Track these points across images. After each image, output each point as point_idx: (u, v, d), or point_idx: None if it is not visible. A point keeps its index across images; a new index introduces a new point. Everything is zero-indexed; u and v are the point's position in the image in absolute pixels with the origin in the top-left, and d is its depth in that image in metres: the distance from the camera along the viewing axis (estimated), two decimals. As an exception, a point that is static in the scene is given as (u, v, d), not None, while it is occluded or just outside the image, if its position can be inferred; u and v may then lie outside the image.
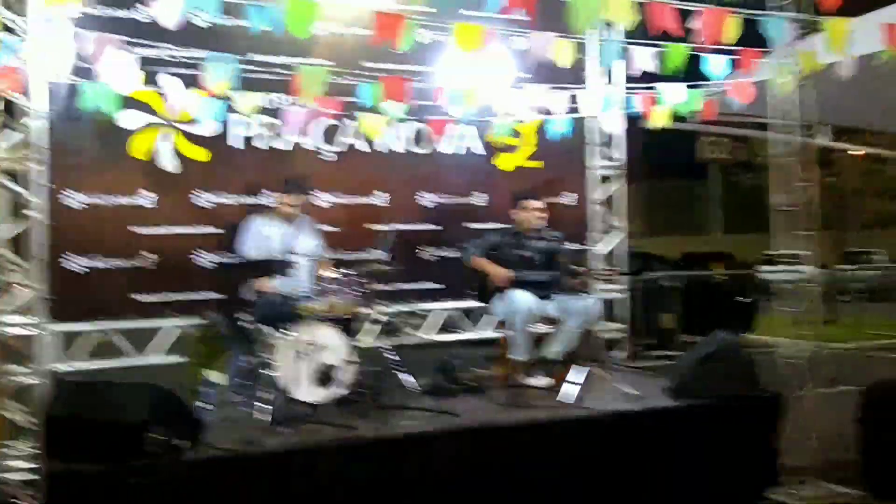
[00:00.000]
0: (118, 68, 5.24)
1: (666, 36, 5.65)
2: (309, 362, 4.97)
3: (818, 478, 5.51)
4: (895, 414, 5.05)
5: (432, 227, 6.85)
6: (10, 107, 5.64)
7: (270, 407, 4.81)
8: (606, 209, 7.50)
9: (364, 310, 5.66)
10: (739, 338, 5.49)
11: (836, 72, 5.15)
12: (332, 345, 5.06)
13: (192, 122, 5.95)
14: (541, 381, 5.98)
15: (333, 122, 6.38)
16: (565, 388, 5.49)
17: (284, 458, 4.36)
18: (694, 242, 28.95)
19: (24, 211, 5.41)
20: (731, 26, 4.93)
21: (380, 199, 6.68)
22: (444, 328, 7.03)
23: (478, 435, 4.79)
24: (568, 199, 7.35)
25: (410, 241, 6.76)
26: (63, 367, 5.72)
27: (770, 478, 5.34)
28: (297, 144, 6.40)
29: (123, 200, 5.91)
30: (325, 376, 4.99)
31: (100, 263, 5.83)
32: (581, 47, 6.12)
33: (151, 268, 5.96)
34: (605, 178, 7.48)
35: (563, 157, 7.29)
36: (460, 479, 4.59)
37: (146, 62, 5.67)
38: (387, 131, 6.57)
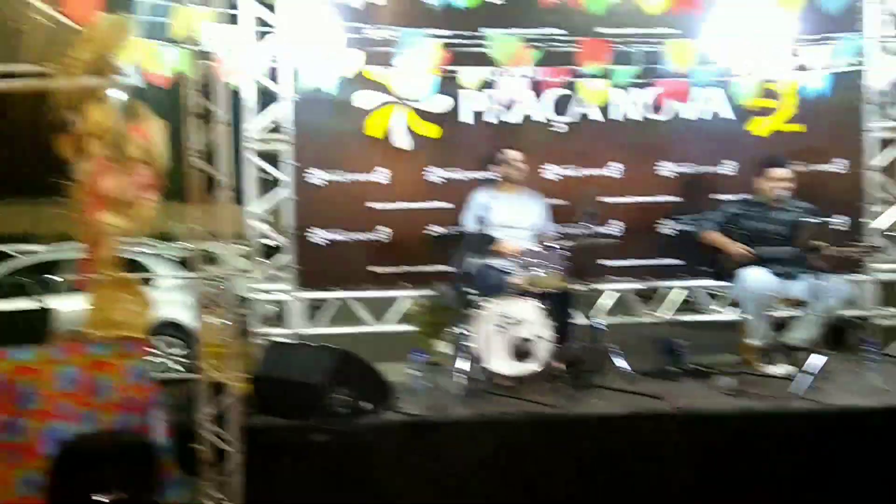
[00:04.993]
0: (341, 50, 5.59)
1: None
2: (505, 336, 4.92)
3: None
4: None
5: (671, 198, 6.39)
6: (262, 92, 6.22)
7: (467, 377, 4.85)
8: (887, 177, 6.50)
9: (578, 286, 5.48)
10: None
11: None
12: (529, 319, 4.96)
13: (423, 100, 6.12)
14: (780, 368, 5.37)
15: (565, 91, 6.21)
16: (798, 377, 4.89)
17: (461, 427, 4.38)
18: None
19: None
20: None
21: (614, 170, 6.37)
22: (684, 308, 6.58)
23: (675, 421, 4.43)
24: (838, 166, 6.47)
25: (648, 214, 6.40)
26: (307, 331, 6.23)
27: None
28: (526, 117, 6.31)
29: (361, 177, 6.24)
30: (521, 350, 4.91)
31: (339, 236, 6.22)
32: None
33: (386, 241, 6.24)
34: (886, 142, 6.48)
35: (832, 119, 6.43)
36: (646, 465, 4.29)
37: (384, 44, 5.96)
38: (620, 98, 6.27)
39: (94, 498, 3.59)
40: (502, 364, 4.95)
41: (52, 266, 10.09)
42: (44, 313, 4.28)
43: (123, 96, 4.36)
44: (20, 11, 4.26)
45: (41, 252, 12.26)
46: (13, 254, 15.58)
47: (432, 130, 6.25)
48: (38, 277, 9.26)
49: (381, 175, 6.24)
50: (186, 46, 4.33)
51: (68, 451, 3.78)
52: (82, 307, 4.37)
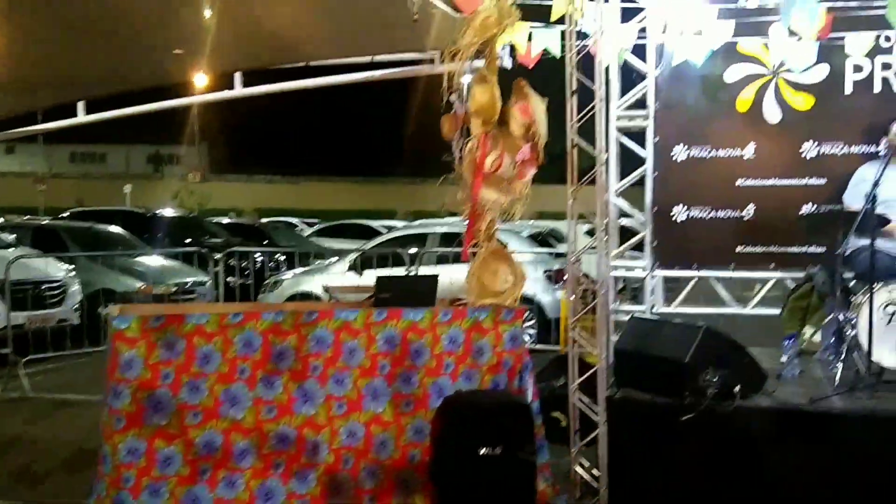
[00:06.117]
0: (711, 23, 5.42)
1: None
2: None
3: None
4: None
5: None
6: (627, 69, 6.22)
7: (846, 368, 4.50)
8: None
9: None
10: None
11: None
12: (927, 308, 4.47)
13: (800, 71, 5.75)
14: None
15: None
16: None
17: (842, 421, 4.07)
18: None
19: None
20: None
21: None
22: None
23: None
24: None
25: None
26: (665, 310, 6.17)
27: None
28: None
29: (726, 152, 6.01)
30: (916, 343, 4.45)
31: (701, 214, 6.06)
32: None
33: (752, 219, 5.97)
34: None
35: None
36: None
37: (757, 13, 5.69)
38: None
39: (476, 450, 3.86)
40: (891, 357, 4.51)
41: (419, 239, 11.09)
42: (432, 280, 4.65)
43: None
44: (417, 3, 4.64)
45: (411, 226, 13.41)
46: (381, 229, 17.30)
47: (807, 102, 5.84)
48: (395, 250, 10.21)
49: (749, 150, 5.96)
50: (564, 27, 4.44)
51: (452, 405, 4.10)
52: (455, 276, 4.73)
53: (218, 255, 10.78)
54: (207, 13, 4.80)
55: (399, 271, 9.71)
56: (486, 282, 4.59)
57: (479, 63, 4.66)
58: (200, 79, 7.15)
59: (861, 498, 3.96)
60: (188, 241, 13.41)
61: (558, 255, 9.56)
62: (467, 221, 4.66)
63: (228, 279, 10.92)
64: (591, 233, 7.39)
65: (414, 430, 4.19)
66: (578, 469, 4.36)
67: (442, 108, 4.65)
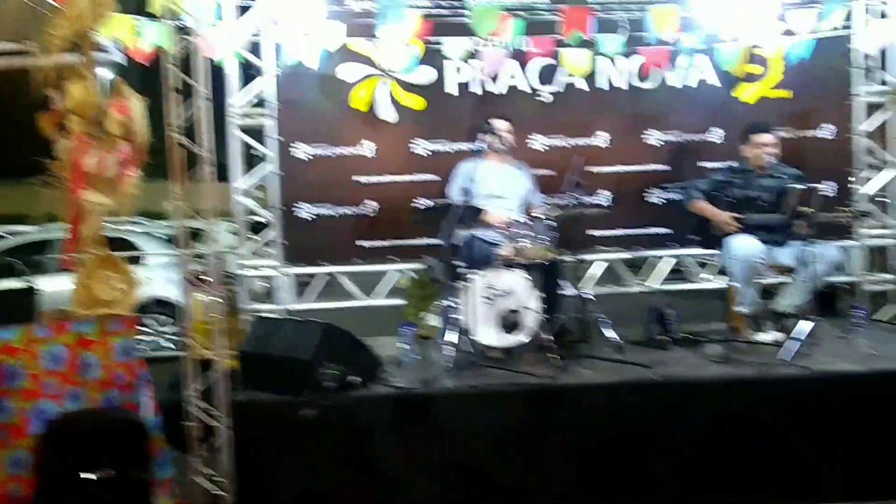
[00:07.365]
0: (322, 23, 5.53)
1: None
2: (493, 307, 4.92)
3: None
4: None
5: (658, 167, 6.37)
6: (245, 66, 6.15)
7: (456, 350, 4.85)
8: (875, 142, 6.49)
9: (565, 256, 5.47)
10: None
11: None
12: (517, 290, 4.96)
13: (406, 71, 6.08)
14: (768, 335, 5.39)
15: (550, 61, 6.16)
16: (786, 344, 4.91)
17: (450, 400, 4.39)
18: None
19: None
20: None
21: (601, 139, 6.34)
22: (672, 277, 6.59)
23: (663, 390, 4.45)
24: (825, 131, 6.46)
25: (636, 183, 6.38)
26: (296, 307, 6.22)
27: None
28: (512, 87, 6.26)
29: (346, 150, 6.19)
30: (509, 322, 4.91)
31: (326, 210, 6.19)
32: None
33: (373, 214, 6.21)
34: (873, 107, 6.46)
35: (819, 85, 6.40)
36: (634, 434, 4.32)
37: (366, 16, 5.89)
38: (605, 67, 6.23)
39: (82, 476, 3.59)
40: (490, 336, 4.94)
41: (41, 246, 10.08)
42: (30, 293, 4.24)
43: (105, 73, 4.33)
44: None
45: (29, 232, 12.20)
46: (1, 234, 15.51)
47: (417, 102, 6.21)
48: (26, 258, 9.23)
49: (367, 148, 6.20)
50: (167, 21, 4.26)
51: (55, 429, 3.77)
52: (70, 286, 4.36)
53: None
54: None
55: (15, 283, 8.75)
56: (95, 291, 4.27)
57: (78, 56, 4.31)
58: None
59: (470, 470, 4.28)
60: None
61: (199, 256, 9.20)
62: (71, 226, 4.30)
63: None
64: (234, 232, 7.22)
65: (12, 463, 3.81)
66: (201, 479, 4.22)
67: (43, 104, 4.25)
